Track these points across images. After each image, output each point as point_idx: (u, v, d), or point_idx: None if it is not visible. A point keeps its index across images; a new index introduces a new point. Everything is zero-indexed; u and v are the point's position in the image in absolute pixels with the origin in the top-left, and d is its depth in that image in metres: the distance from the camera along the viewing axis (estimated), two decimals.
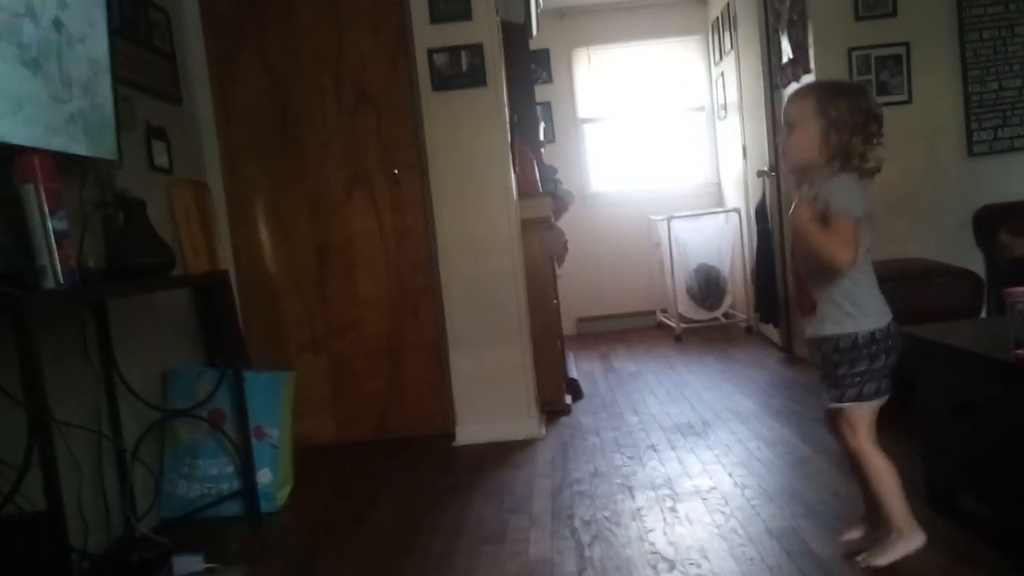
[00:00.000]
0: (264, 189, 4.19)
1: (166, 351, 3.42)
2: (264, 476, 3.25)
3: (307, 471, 3.59)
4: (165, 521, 3.15)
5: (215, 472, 3.24)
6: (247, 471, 3.18)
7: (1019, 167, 4.50)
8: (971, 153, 4.53)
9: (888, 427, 2.36)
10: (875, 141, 2.05)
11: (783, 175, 2.24)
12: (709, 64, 7.40)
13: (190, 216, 3.67)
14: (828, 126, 2.04)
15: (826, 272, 2.10)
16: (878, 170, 2.09)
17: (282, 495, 3.34)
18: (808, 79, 4.69)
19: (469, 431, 4.03)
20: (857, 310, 2.09)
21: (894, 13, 4.52)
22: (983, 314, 3.78)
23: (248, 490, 3.18)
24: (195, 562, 2.62)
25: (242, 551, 2.89)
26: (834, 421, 2.22)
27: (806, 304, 2.16)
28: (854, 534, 2.36)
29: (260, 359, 4.01)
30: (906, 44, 4.52)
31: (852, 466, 2.29)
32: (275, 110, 4.16)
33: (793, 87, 4.95)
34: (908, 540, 2.16)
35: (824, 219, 2.04)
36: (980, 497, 2.40)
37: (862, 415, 2.15)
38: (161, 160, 3.51)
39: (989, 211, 4.36)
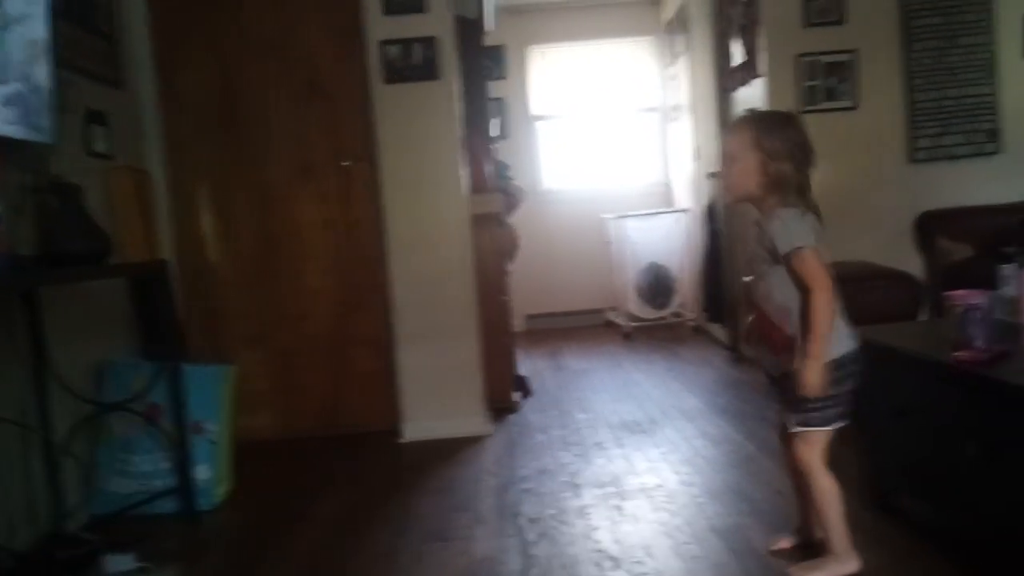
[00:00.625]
0: (208, 178, 4.10)
1: (101, 343, 3.32)
2: (202, 472, 3.17)
3: (247, 467, 3.51)
4: (96, 518, 3.04)
5: (150, 468, 3.15)
6: (183, 467, 3.09)
7: (958, 175, 4.59)
8: (913, 160, 4.60)
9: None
10: (806, 169, 2.11)
11: (724, 202, 2.25)
12: (662, 65, 7.43)
13: (129, 204, 3.57)
14: (764, 158, 2.10)
15: (797, 308, 2.10)
16: (818, 210, 2.13)
17: (220, 492, 3.26)
18: (758, 83, 4.73)
19: (416, 428, 3.99)
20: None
21: (843, 21, 4.57)
22: (922, 317, 3.84)
23: (184, 487, 3.09)
24: (126, 561, 2.54)
25: (177, 550, 2.83)
26: (791, 440, 2.22)
27: (779, 342, 2.12)
28: (784, 544, 2.37)
29: (200, 352, 3.92)
30: (854, 52, 4.58)
31: (796, 483, 2.31)
32: (221, 97, 4.08)
33: (744, 90, 5.00)
34: (843, 564, 2.17)
35: (774, 256, 2.09)
36: (918, 497, 2.43)
37: (821, 438, 2.16)
38: (100, 146, 3.41)
39: (929, 217, 4.43)
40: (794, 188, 2.09)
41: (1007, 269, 2.50)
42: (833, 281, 2.07)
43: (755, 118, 2.20)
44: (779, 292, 2.11)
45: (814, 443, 2.16)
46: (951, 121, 4.59)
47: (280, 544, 2.81)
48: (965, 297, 2.18)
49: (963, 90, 4.58)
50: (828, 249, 2.12)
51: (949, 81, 4.58)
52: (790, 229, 2.06)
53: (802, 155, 2.11)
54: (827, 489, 2.16)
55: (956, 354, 2.11)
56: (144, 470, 3.15)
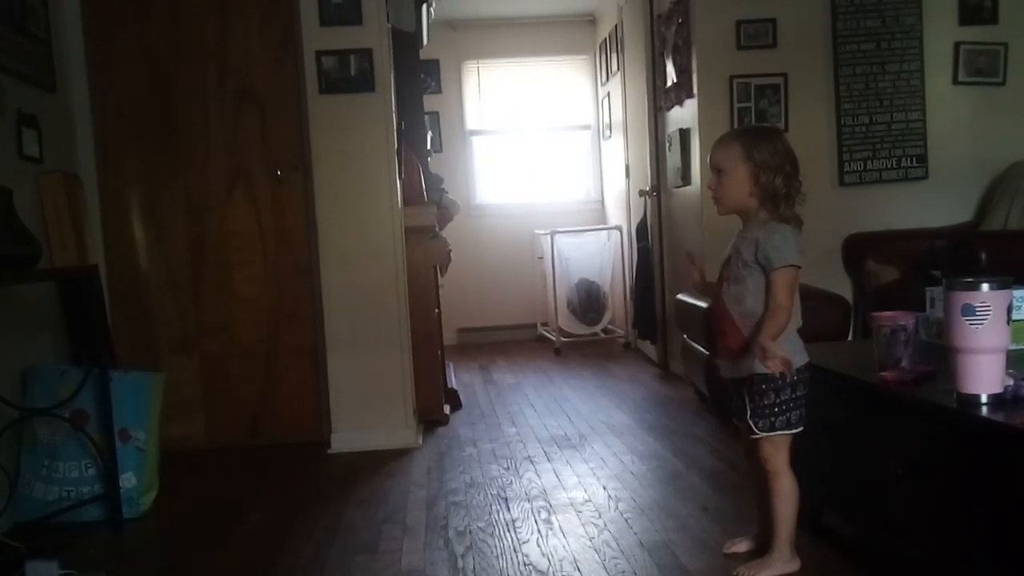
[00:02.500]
0: (140, 183, 4.03)
1: (28, 347, 3.24)
2: (128, 480, 3.11)
3: (174, 476, 3.45)
4: (20, 525, 2.97)
5: (75, 475, 3.08)
6: (110, 474, 3.03)
7: (886, 198, 4.73)
8: (842, 183, 4.74)
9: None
10: (794, 181, 2.19)
11: (715, 214, 2.27)
12: (596, 84, 7.53)
13: (59, 208, 3.49)
14: (755, 169, 2.17)
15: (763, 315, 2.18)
16: (801, 222, 2.23)
17: (146, 500, 3.20)
18: (691, 103, 4.83)
19: (344, 439, 3.96)
20: (787, 348, 2.15)
21: (774, 44, 4.69)
22: (850, 337, 3.95)
23: (110, 494, 3.02)
24: (49, 568, 2.47)
25: (101, 558, 2.76)
26: (758, 447, 2.27)
27: (736, 344, 2.22)
28: (740, 547, 2.44)
29: (128, 358, 3.83)
30: (784, 75, 4.70)
31: (758, 490, 2.36)
32: (155, 102, 4.02)
33: (676, 110, 5.09)
34: (787, 564, 2.25)
35: (757, 264, 2.16)
36: (843, 515, 2.49)
37: (785, 441, 2.24)
38: (31, 149, 3.34)
39: (857, 239, 4.56)
40: (783, 199, 2.18)
41: (933, 291, 2.59)
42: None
43: (743, 132, 2.31)
44: (752, 298, 2.18)
45: (780, 446, 2.24)
46: (880, 146, 4.73)
47: (205, 554, 2.76)
48: (892, 318, 2.25)
49: (892, 115, 4.73)
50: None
51: (878, 107, 4.72)
52: (787, 246, 2.15)
53: (791, 167, 2.19)
54: (791, 491, 2.24)
55: (882, 374, 2.18)
56: (69, 476, 3.08)
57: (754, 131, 2.36)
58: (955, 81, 4.80)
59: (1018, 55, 4.78)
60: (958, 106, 4.81)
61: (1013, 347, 1.96)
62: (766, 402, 2.20)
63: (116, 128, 3.98)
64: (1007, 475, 1.73)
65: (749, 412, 2.23)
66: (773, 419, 2.21)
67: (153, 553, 2.88)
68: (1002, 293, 1.84)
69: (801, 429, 2.23)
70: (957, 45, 4.77)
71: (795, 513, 2.25)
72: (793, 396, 2.20)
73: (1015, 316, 1.91)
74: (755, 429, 2.22)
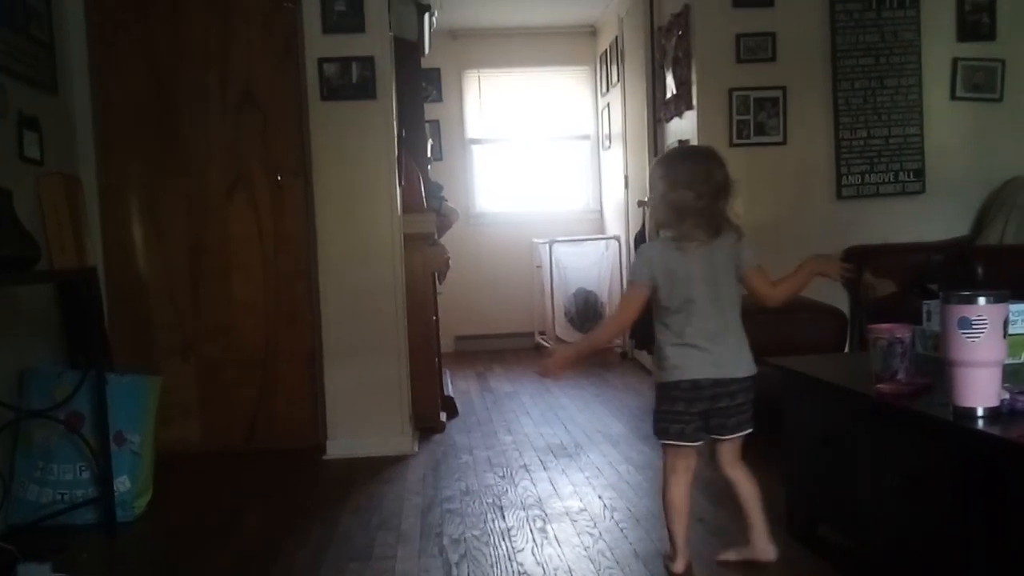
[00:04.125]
0: (140, 186, 4.04)
1: (24, 349, 3.24)
2: (122, 484, 3.11)
3: (169, 480, 3.45)
4: (12, 527, 2.97)
5: (70, 477, 3.08)
6: (104, 477, 3.02)
7: (883, 212, 4.74)
8: (840, 196, 4.75)
9: (759, 457, 2.45)
10: (714, 198, 2.29)
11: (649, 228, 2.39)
12: (596, 95, 7.55)
13: (59, 210, 3.50)
14: (666, 188, 2.31)
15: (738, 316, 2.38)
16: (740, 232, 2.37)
17: (140, 504, 3.20)
18: (690, 115, 4.84)
19: (341, 445, 3.96)
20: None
21: (774, 58, 4.71)
22: (847, 349, 3.96)
23: (104, 497, 3.02)
24: (42, 571, 2.48)
25: (94, 561, 2.76)
26: (733, 451, 2.42)
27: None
28: (732, 556, 2.46)
29: (126, 361, 3.83)
30: (783, 88, 4.72)
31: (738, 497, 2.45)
32: (156, 106, 4.03)
33: (676, 121, 5.11)
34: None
35: (748, 270, 2.36)
36: (839, 527, 2.50)
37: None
38: (32, 151, 3.35)
39: (855, 252, 4.56)
40: (693, 215, 2.27)
41: (930, 305, 2.59)
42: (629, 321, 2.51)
43: (664, 154, 2.43)
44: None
45: (740, 446, 2.41)
46: (878, 160, 4.75)
47: (198, 559, 2.76)
48: (889, 330, 2.25)
49: (890, 130, 4.74)
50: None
51: (876, 121, 4.74)
52: (634, 260, 2.40)
53: (705, 185, 2.28)
54: (754, 487, 2.41)
55: (878, 386, 2.18)
56: (64, 479, 3.08)
57: (673, 152, 2.77)
58: (953, 96, 4.82)
59: (1015, 72, 4.80)
60: (956, 121, 4.83)
61: (1009, 361, 1.97)
62: (745, 404, 2.36)
63: (117, 131, 3.99)
64: (1002, 488, 1.73)
65: (727, 415, 2.35)
66: (750, 418, 2.40)
67: (146, 558, 2.88)
68: (998, 307, 1.85)
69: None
70: (955, 61, 4.79)
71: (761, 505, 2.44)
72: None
73: (1011, 330, 1.92)
74: (749, 425, 2.39)
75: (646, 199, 5.65)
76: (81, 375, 3.06)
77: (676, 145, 5.03)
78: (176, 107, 4.04)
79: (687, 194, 2.27)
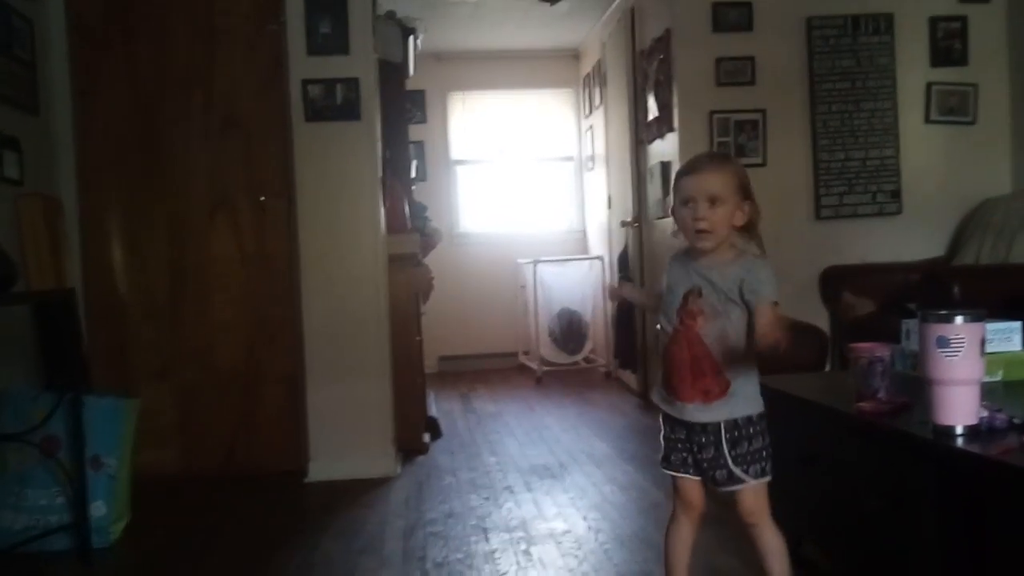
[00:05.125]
0: (121, 207, 4.02)
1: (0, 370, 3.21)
2: (98, 509, 3.06)
3: (147, 505, 3.40)
4: None
5: (44, 503, 3.03)
6: (79, 503, 2.98)
7: (861, 232, 4.78)
8: (819, 217, 4.79)
9: None
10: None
11: (699, 243, 2.11)
12: (579, 116, 7.60)
13: (38, 231, 3.48)
14: (744, 196, 2.03)
15: (744, 354, 2.02)
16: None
17: (117, 529, 3.16)
18: (672, 137, 4.87)
19: (322, 467, 3.93)
20: (757, 391, 2.04)
21: (753, 82, 4.75)
22: (827, 368, 3.97)
23: (80, 523, 2.97)
24: None
25: None
26: (739, 499, 2.04)
27: (714, 384, 2.00)
28: None
29: (104, 384, 3.80)
30: (763, 111, 4.76)
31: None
32: (138, 127, 4.02)
33: (658, 143, 5.14)
34: None
35: (745, 302, 1.98)
36: (822, 547, 2.49)
37: (766, 489, 2.05)
38: (11, 171, 3.34)
39: (834, 272, 4.60)
40: (755, 230, 2.06)
41: (909, 324, 2.61)
42: None
43: (730, 157, 2.16)
44: (736, 335, 2.00)
45: (763, 494, 2.04)
46: (856, 181, 4.79)
47: None
48: (869, 349, 2.26)
49: (867, 152, 4.79)
50: None
51: (853, 143, 4.79)
52: (774, 281, 1.98)
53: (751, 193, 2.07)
54: (780, 546, 2.06)
55: (859, 405, 2.19)
56: (38, 504, 3.04)
57: (732, 157, 2.25)
58: (927, 120, 4.88)
59: (987, 96, 4.87)
60: (930, 144, 4.89)
61: (987, 379, 1.98)
62: (756, 445, 2.00)
63: (98, 152, 3.98)
64: (982, 505, 1.74)
65: (731, 459, 1.99)
66: (763, 464, 2.01)
67: None
68: (976, 326, 1.86)
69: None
70: (929, 85, 4.85)
71: (788, 564, 2.08)
72: (767, 443, 2.03)
73: (988, 348, 1.93)
74: (746, 477, 1.99)
75: (629, 220, 5.70)
76: (57, 398, 3.02)
77: (658, 166, 5.07)
78: (159, 129, 4.03)
79: (756, 207, 2.06)
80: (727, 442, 2.00)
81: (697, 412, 2.01)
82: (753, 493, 2.02)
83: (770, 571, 2.07)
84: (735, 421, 2.00)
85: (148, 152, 4.02)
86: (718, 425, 2.00)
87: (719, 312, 2.00)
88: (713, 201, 1.99)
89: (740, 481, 2.00)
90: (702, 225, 1.99)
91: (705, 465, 2.03)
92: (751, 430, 2.00)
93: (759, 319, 1.95)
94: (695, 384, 2.00)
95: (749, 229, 2.06)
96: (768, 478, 2.02)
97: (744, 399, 2.01)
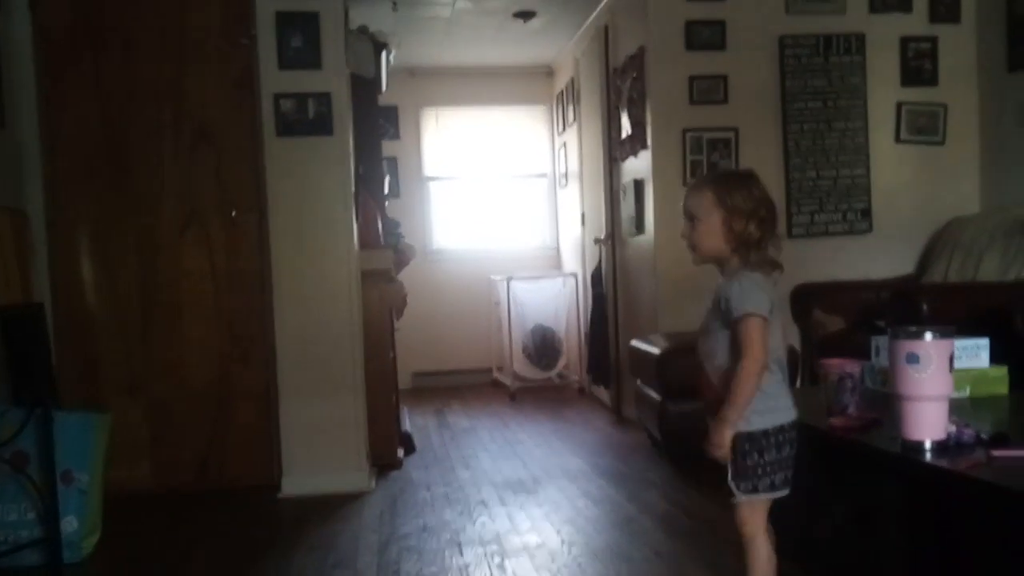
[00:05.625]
0: (90, 222, 3.99)
1: None
2: (69, 524, 3.03)
3: (119, 520, 3.37)
4: None
5: (14, 518, 3.00)
6: (50, 518, 2.95)
7: (832, 250, 4.83)
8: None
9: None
10: (769, 226, 2.08)
11: (693, 260, 2.10)
12: (552, 133, 7.63)
13: (4, 244, 3.44)
14: (728, 215, 2.05)
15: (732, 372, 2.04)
16: (780, 265, 2.12)
17: (88, 544, 3.13)
18: (645, 155, 4.91)
19: (296, 483, 3.91)
20: (765, 406, 2.03)
21: (725, 100, 4.80)
22: (797, 384, 4.01)
23: (51, 538, 2.94)
24: None
25: None
26: (735, 509, 2.08)
27: (714, 402, 2.05)
28: None
29: (73, 399, 3.76)
30: (735, 129, 4.81)
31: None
32: (107, 141, 3.99)
33: (631, 160, 5.18)
34: None
35: (725, 318, 2.03)
36: (794, 559, 2.51)
37: (765, 504, 2.07)
38: None
39: (805, 289, 4.63)
40: (756, 246, 2.06)
41: (878, 340, 2.64)
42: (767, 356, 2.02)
43: (716, 177, 2.20)
44: (723, 353, 2.05)
45: (758, 508, 2.07)
46: (827, 199, 4.85)
47: None
48: (839, 365, 2.29)
49: (838, 171, 4.85)
50: (778, 320, 2.09)
51: (825, 162, 4.85)
52: (746, 294, 2.01)
53: (766, 212, 2.07)
54: (765, 559, 2.07)
55: (830, 420, 2.22)
56: (8, 520, 3.00)
57: (727, 176, 2.21)
58: (897, 139, 4.95)
59: (956, 116, 4.94)
60: (900, 163, 4.95)
61: (955, 395, 2.02)
62: (749, 463, 2.02)
63: (67, 165, 3.95)
64: (950, 520, 1.77)
65: (730, 473, 2.04)
66: (756, 481, 2.02)
67: None
68: (944, 342, 1.89)
69: (786, 492, 2.05)
70: (899, 105, 4.92)
71: None
72: (779, 457, 2.03)
73: (956, 365, 1.96)
74: (735, 491, 2.04)
75: (602, 237, 5.73)
76: (26, 413, 2.99)
77: (632, 183, 5.11)
78: (128, 143, 4.00)
79: (751, 224, 2.07)
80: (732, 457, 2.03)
81: (709, 423, 2.07)
82: (748, 505, 2.05)
83: None
84: (734, 436, 2.01)
85: (117, 166, 4.00)
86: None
87: (708, 330, 2.08)
88: (692, 219, 2.09)
89: (732, 495, 2.04)
90: (685, 241, 2.12)
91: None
92: (746, 447, 2.01)
93: (734, 342, 2.01)
94: (706, 400, 2.10)
95: (746, 247, 2.06)
96: (761, 495, 2.03)
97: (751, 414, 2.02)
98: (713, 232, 2.07)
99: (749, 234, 2.05)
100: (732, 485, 2.04)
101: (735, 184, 2.11)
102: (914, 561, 1.89)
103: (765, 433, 2.02)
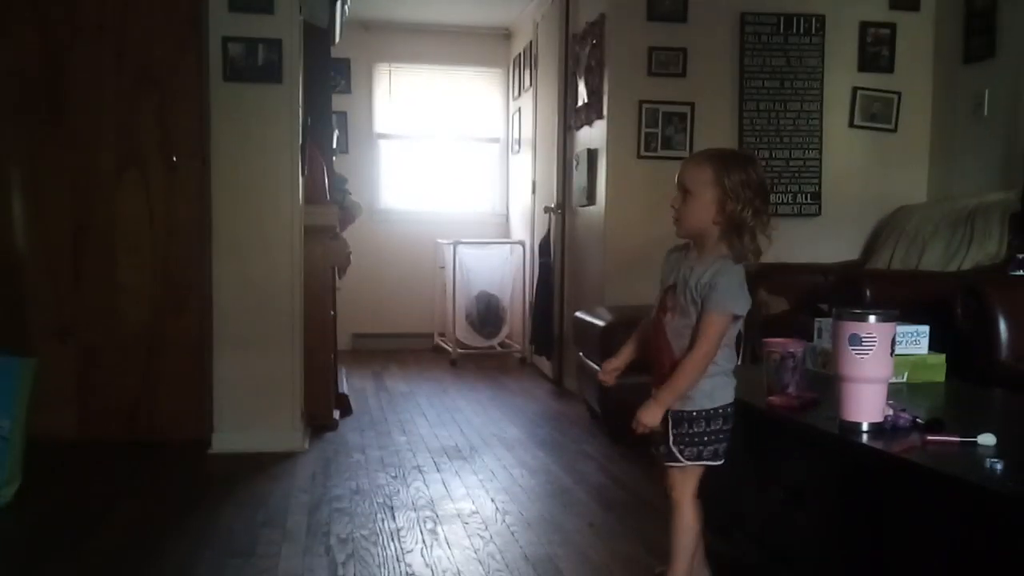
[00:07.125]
0: (20, 158, 3.84)
1: None
2: None
3: (41, 468, 3.26)
4: None
5: None
6: None
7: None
8: None
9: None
10: (762, 216, 2.06)
11: (678, 233, 2.10)
12: (508, 98, 7.55)
13: None
14: (723, 195, 2.03)
15: None
16: (760, 252, 2.11)
17: (7, 493, 3.02)
18: (600, 124, 4.87)
19: (227, 439, 3.83)
20: (716, 386, 2.08)
21: (684, 74, 4.77)
22: (738, 362, 4.02)
23: None
24: None
25: None
26: (667, 474, 2.13)
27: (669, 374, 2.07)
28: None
29: None
30: (692, 104, 4.79)
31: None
32: (44, 73, 3.83)
33: (586, 130, 5.13)
34: None
35: (702, 300, 2.03)
36: (725, 537, 2.51)
37: (696, 473, 2.12)
38: None
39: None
40: (745, 231, 2.05)
41: (822, 322, 2.65)
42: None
43: (716, 154, 2.15)
44: (691, 337, 2.06)
45: (690, 476, 2.11)
46: (778, 181, 4.84)
47: (68, 551, 2.63)
48: (782, 345, 2.28)
49: (791, 152, 4.87)
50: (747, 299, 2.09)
51: (778, 143, 4.86)
52: (732, 293, 2.03)
53: (760, 201, 2.05)
54: (691, 523, 2.12)
55: (770, 398, 2.22)
56: None
57: (729, 155, 2.16)
58: (851, 124, 4.98)
59: (909, 105, 4.98)
60: (852, 148, 4.99)
61: (894, 380, 2.02)
62: (696, 429, 2.07)
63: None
64: (884, 501, 1.77)
65: (672, 438, 2.08)
66: (701, 448, 2.07)
67: (11, 550, 2.71)
68: (887, 325, 1.89)
69: (722, 463, 2.10)
70: (855, 90, 4.95)
71: (692, 546, 2.14)
72: (723, 428, 2.09)
73: (897, 351, 1.96)
74: (680, 457, 2.07)
75: (553, 206, 5.69)
76: None
77: (585, 152, 5.07)
78: (67, 76, 3.84)
79: (746, 208, 2.05)
80: (672, 423, 2.08)
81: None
82: (680, 472, 2.11)
83: (673, 544, 2.13)
84: (681, 413, 2.08)
85: (53, 102, 3.84)
86: (667, 412, 2.07)
87: (684, 310, 2.08)
88: (685, 192, 2.08)
89: (680, 460, 2.08)
90: (672, 213, 2.10)
91: (656, 443, 2.12)
92: (694, 414, 2.07)
93: (697, 327, 2.04)
94: (658, 371, 2.10)
95: (736, 231, 2.06)
96: (704, 463, 2.09)
97: (700, 395, 2.07)
98: (704, 209, 2.05)
99: (741, 218, 2.04)
100: (676, 450, 2.08)
101: (736, 164, 2.08)
102: (845, 540, 1.90)
103: (714, 411, 2.08)
